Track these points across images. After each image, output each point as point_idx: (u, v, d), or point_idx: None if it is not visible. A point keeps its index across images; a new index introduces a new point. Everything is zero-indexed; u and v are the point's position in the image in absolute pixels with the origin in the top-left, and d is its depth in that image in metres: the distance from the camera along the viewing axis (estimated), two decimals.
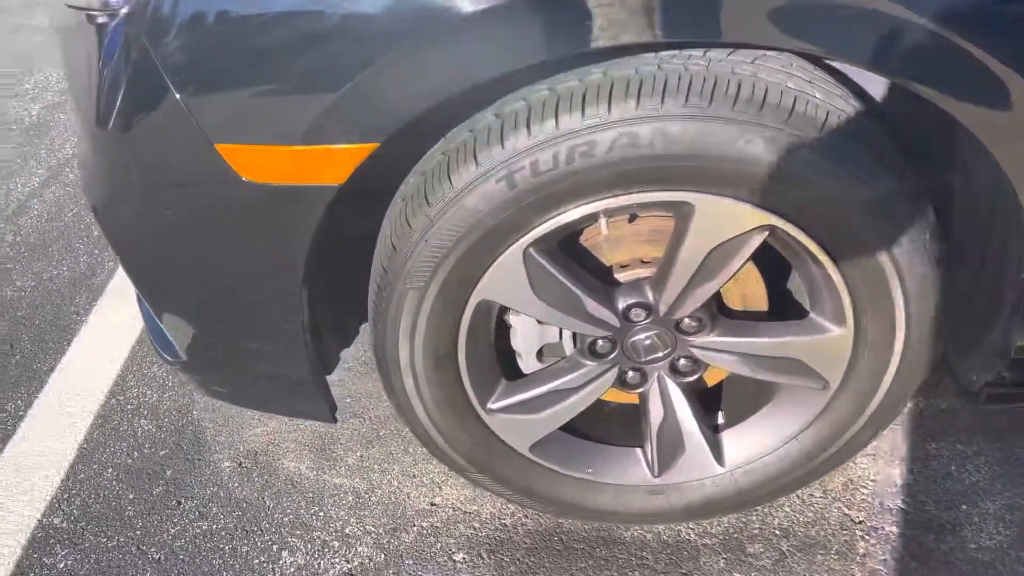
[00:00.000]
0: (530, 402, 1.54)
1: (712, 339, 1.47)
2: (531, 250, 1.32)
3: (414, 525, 1.77)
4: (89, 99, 1.32)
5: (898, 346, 1.41)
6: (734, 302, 1.52)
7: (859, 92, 1.35)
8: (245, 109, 1.21)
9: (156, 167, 1.31)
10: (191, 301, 1.49)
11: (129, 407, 2.09)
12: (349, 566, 1.71)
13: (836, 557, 1.65)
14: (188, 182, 1.30)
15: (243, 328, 1.50)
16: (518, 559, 1.70)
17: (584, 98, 1.20)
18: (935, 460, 1.81)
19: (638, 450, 1.65)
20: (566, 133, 1.20)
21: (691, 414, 1.56)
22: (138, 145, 1.30)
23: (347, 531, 1.77)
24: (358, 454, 1.92)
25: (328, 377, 1.66)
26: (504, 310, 1.53)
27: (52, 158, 3.26)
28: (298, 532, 1.77)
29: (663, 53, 1.23)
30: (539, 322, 1.52)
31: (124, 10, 1.22)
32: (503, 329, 1.57)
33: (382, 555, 1.72)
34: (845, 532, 1.70)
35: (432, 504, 1.80)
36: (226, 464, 1.92)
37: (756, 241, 1.32)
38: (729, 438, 1.63)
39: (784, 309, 1.54)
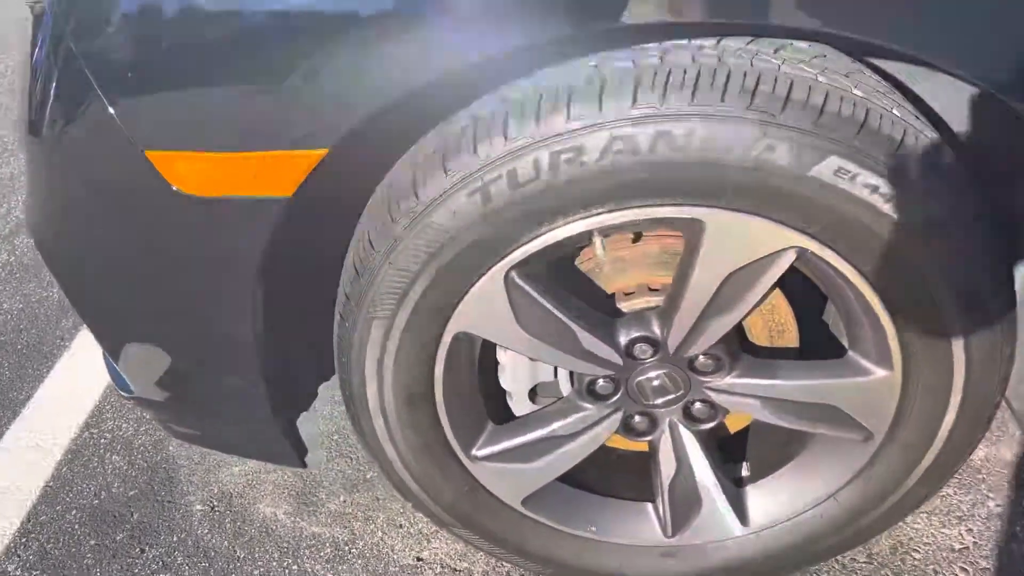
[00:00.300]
0: (521, 449, 1.34)
1: (732, 381, 1.25)
2: (513, 274, 1.13)
3: None
4: (21, 102, 1.17)
5: (956, 392, 1.17)
6: (759, 337, 1.30)
7: (909, 94, 1.13)
8: (175, 111, 1.05)
9: (86, 179, 1.15)
10: (133, 330, 1.32)
11: (103, 441, 1.94)
12: None
13: None
14: (119, 196, 1.14)
15: (192, 360, 1.33)
16: None
17: (571, 95, 1.01)
18: (998, 520, 1.56)
19: (649, 505, 1.43)
20: (549, 136, 1.01)
21: (708, 466, 1.34)
22: (67, 154, 1.14)
23: None
24: (341, 499, 1.73)
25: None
26: (491, 344, 1.33)
27: None
28: None
29: (667, 43, 1.03)
30: (531, 358, 1.32)
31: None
32: (491, 365, 1.37)
33: None
34: None
35: (418, 559, 1.61)
36: (197, 507, 1.75)
37: (782, 266, 1.10)
38: (755, 494, 1.40)
39: (819, 346, 1.32)
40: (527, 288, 1.15)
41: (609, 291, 1.27)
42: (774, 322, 1.28)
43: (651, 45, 1.04)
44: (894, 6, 0.94)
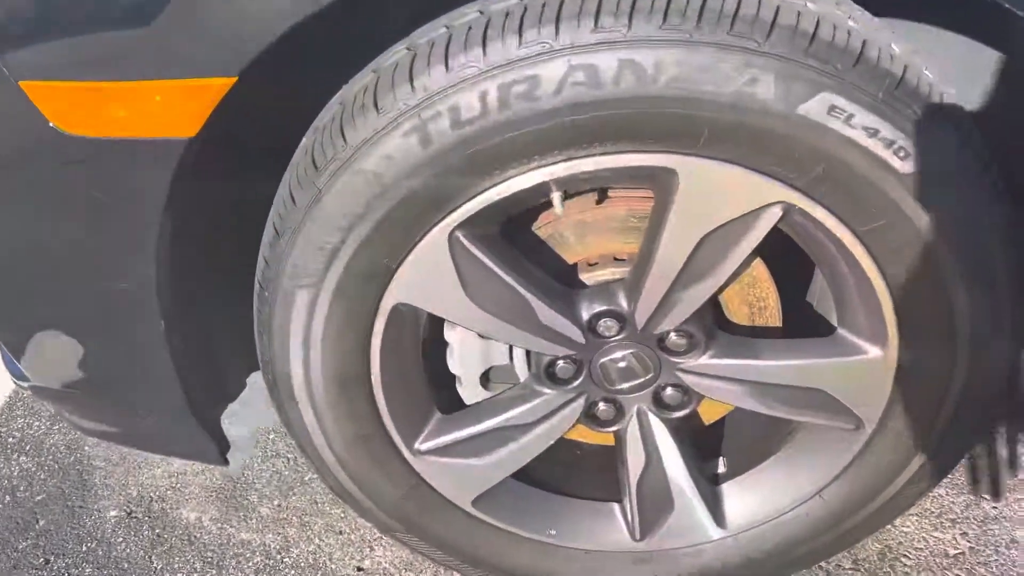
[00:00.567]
0: (472, 442, 1.18)
1: (707, 362, 1.11)
2: (459, 235, 0.98)
3: None
4: None
5: (959, 374, 1.04)
6: (737, 314, 1.16)
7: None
8: (52, 32, 0.88)
9: None
10: (22, 305, 1.14)
11: (10, 440, 1.75)
12: None
13: None
14: None
15: (92, 342, 1.15)
16: None
17: (523, 17, 0.86)
18: (995, 523, 1.44)
19: (615, 506, 1.28)
20: (497, 66, 0.86)
21: (681, 460, 1.20)
22: None
23: None
24: (275, 503, 1.56)
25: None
26: (438, 321, 1.18)
27: None
28: None
29: None
30: (481, 336, 1.16)
31: None
32: (438, 347, 1.22)
33: None
34: None
35: (359, 569, 1.44)
36: (112, 513, 1.57)
37: (765, 226, 0.97)
38: (732, 492, 1.26)
39: (804, 330, 1.19)
40: (476, 251, 1.00)
41: (571, 261, 1.13)
42: (754, 297, 1.14)
43: None
44: None
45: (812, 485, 1.20)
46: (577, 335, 1.08)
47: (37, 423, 1.78)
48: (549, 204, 1.08)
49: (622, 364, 1.12)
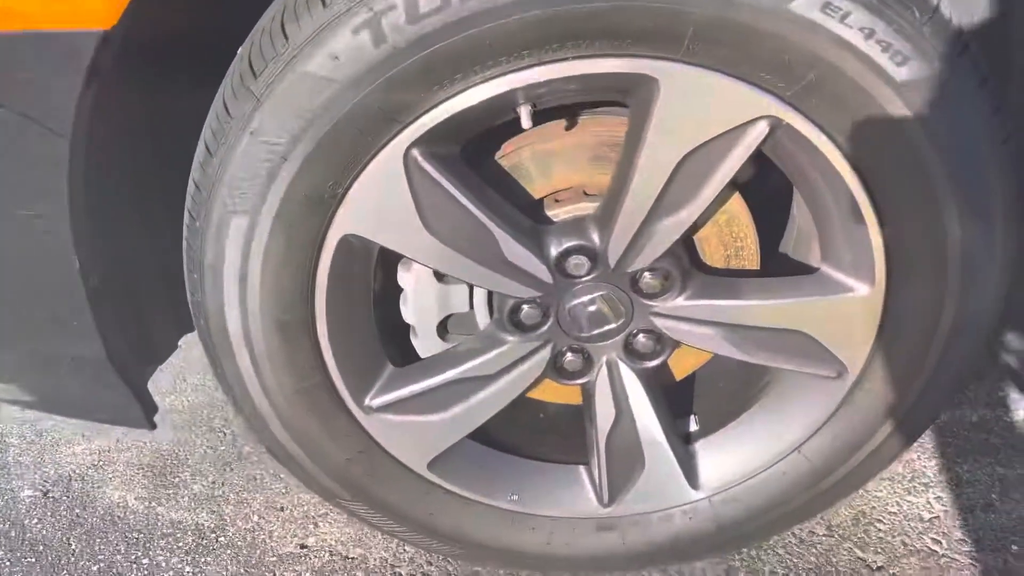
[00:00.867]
0: (427, 397, 1.08)
1: (683, 303, 1.03)
2: (416, 154, 0.88)
3: None
4: None
5: (949, 312, 0.98)
6: (713, 256, 1.08)
7: None
8: None
9: None
10: None
11: None
12: None
13: None
14: None
15: None
16: None
17: None
18: (970, 487, 1.39)
19: (582, 468, 1.19)
20: None
21: (654, 414, 1.11)
22: None
23: None
24: (209, 479, 1.43)
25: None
26: (391, 263, 1.08)
27: None
28: None
29: None
30: (439, 279, 1.06)
31: None
32: (391, 295, 1.11)
33: None
34: None
35: (302, 547, 1.32)
36: (26, 493, 1.42)
37: (749, 145, 0.89)
38: (706, 451, 1.18)
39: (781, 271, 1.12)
40: (434, 173, 0.90)
41: (537, 196, 1.04)
42: (731, 236, 1.06)
43: None
44: None
45: (791, 440, 1.13)
46: (544, 274, 0.99)
47: None
48: (512, 131, 0.99)
49: (592, 308, 1.03)
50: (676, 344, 1.08)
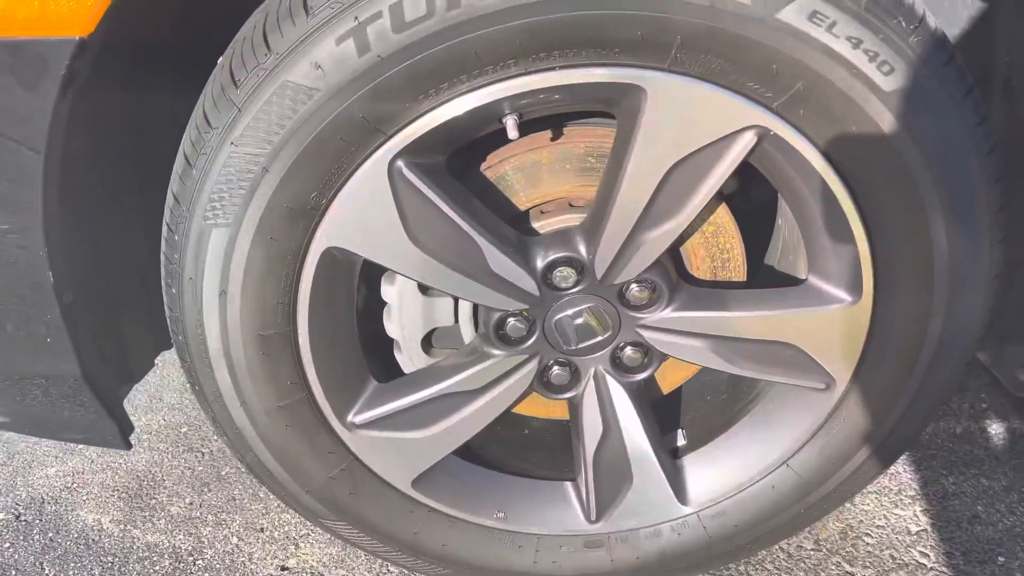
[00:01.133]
0: (412, 413, 1.06)
1: (670, 315, 1.02)
2: (401, 164, 0.87)
3: None
4: None
5: (936, 323, 0.98)
6: (700, 268, 1.08)
7: None
8: None
9: None
10: None
11: None
12: None
13: None
14: None
15: None
16: None
17: None
18: (956, 499, 1.39)
19: (568, 485, 1.17)
20: None
21: (642, 428, 1.10)
22: None
23: None
24: (187, 501, 1.39)
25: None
26: (375, 277, 1.06)
27: None
28: None
29: None
30: (423, 292, 1.05)
31: None
32: (374, 310, 1.10)
33: None
34: None
35: (283, 569, 1.29)
36: None
37: (737, 155, 0.89)
38: (694, 465, 1.17)
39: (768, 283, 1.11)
40: (419, 184, 0.89)
41: (522, 207, 1.03)
42: (719, 247, 1.06)
43: None
44: None
45: (779, 453, 1.12)
46: (531, 286, 0.98)
47: None
48: (498, 142, 0.98)
49: (579, 321, 1.02)
50: (663, 357, 1.07)
